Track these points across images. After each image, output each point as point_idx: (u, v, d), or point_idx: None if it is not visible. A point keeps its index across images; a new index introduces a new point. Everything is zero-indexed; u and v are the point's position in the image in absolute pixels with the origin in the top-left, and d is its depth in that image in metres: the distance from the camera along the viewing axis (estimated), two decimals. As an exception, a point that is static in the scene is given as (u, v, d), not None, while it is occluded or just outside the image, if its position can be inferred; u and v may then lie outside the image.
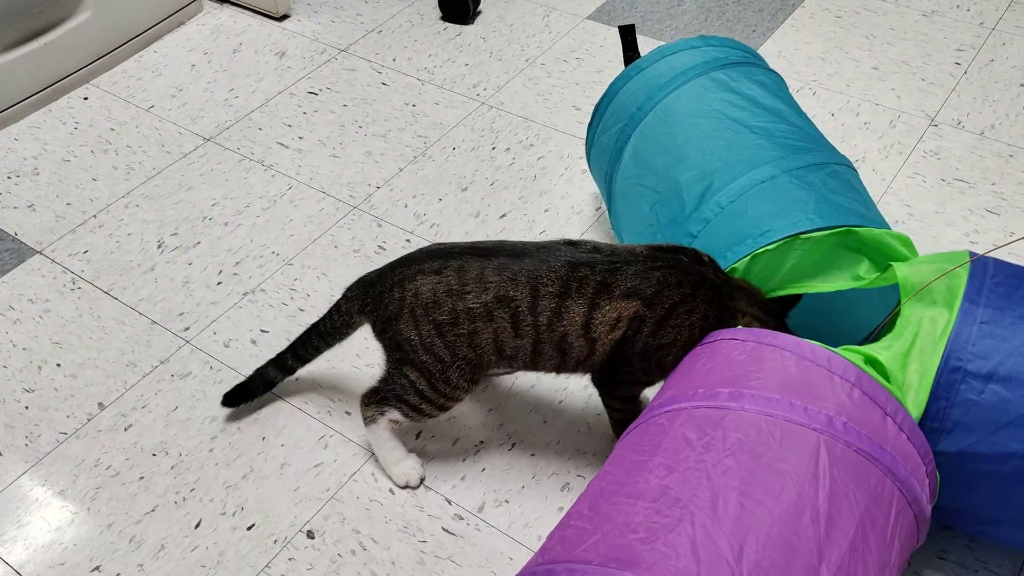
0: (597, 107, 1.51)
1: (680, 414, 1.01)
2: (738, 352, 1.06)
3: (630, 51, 1.62)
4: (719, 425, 0.97)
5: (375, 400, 1.29)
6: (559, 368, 1.25)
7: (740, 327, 1.15)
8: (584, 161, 1.86)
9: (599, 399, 1.34)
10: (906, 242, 1.22)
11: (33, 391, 1.49)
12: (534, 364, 1.25)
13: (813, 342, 1.05)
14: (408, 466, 1.33)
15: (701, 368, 1.08)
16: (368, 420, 1.31)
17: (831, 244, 1.20)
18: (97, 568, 1.26)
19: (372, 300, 1.25)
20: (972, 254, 1.15)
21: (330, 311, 1.32)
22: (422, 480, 1.33)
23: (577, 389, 1.45)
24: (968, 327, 1.06)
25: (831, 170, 1.29)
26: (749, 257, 1.19)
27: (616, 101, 1.47)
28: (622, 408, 1.30)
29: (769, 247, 1.19)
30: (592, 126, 1.53)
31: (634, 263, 1.18)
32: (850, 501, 0.94)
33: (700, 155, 1.32)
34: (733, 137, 1.32)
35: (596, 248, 1.21)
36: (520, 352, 1.22)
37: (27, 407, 1.46)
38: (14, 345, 1.56)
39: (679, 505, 0.90)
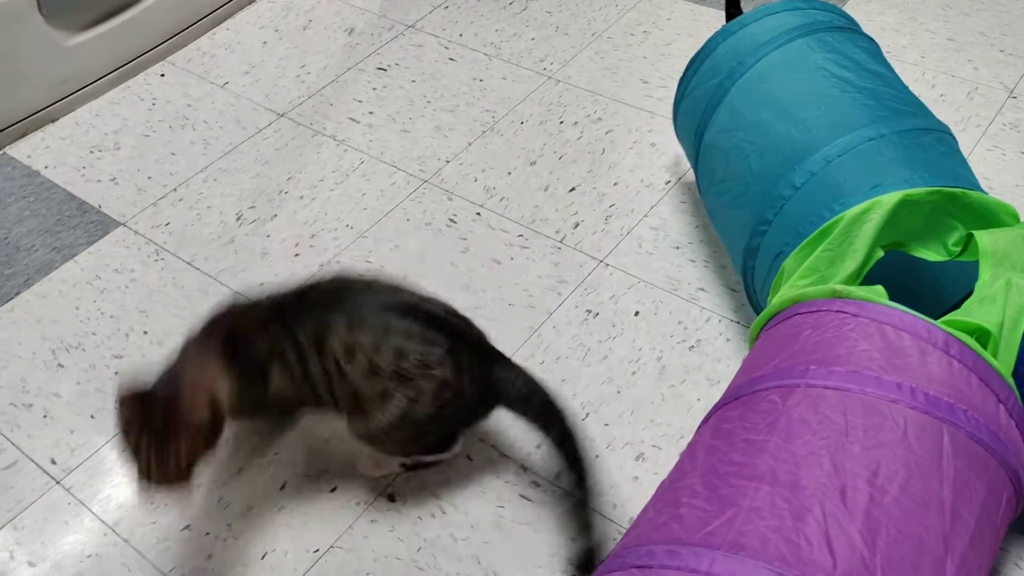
0: (692, 62, 1.49)
1: (793, 391, 0.98)
2: (849, 327, 1.03)
3: (733, 7, 1.61)
4: (840, 409, 0.95)
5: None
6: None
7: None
8: (653, 134, 1.85)
9: (673, 371, 1.34)
10: (1012, 213, 1.20)
11: (122, 357, 1.54)
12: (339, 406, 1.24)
13: (928, 320, 1.02)
14: None
15: (808, 340, 1.05)
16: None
17: (931, 207, 1.18)
18: (188, 527, 1.31)
19: None
20: None
21: None
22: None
23: (650, 361, 1.46)
24: None
25: (938, 136, 1.27)
26: (859, 210, 1.15)
27: (714, 56, 1.45)
28: None
29: (878, 204, 1.15)
30: (684, 80, 1.51)
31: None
32: (971, 492, 0.92)
33: (803, 110, 1.30)
34: (840, 95, 1.29)
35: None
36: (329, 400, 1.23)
37: (116, 372, 1.52)
38: (102, 313, 1.61)
39: (806, 493, 0.88)
